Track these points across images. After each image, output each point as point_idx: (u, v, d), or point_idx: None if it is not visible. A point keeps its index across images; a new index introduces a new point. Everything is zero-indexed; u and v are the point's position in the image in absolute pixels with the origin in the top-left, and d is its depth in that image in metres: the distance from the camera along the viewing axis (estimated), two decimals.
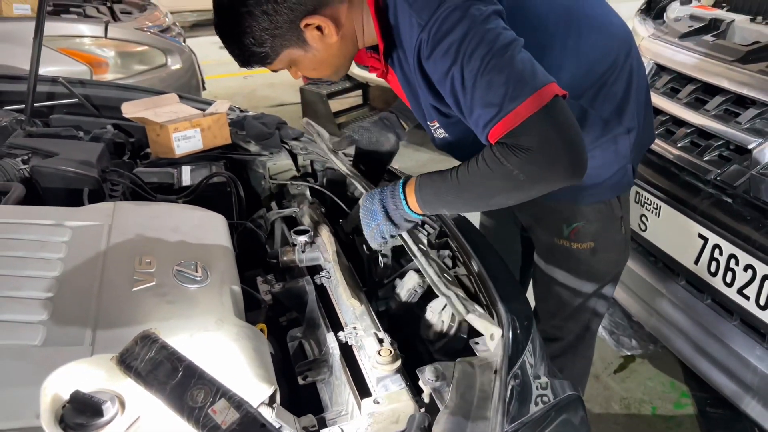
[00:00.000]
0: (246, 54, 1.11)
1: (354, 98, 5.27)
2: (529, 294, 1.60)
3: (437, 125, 1.27)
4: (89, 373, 0.82)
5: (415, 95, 1.21)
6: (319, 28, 1.09)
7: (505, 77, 0.95)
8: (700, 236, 1.61)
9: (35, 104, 1.74)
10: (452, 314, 1.09)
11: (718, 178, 1.61)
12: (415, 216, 1.14)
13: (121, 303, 0.95)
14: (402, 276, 1.29)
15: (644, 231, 1.85)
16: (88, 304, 0.93)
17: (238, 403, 0.78)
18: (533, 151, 0.94)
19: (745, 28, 1.86)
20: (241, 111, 1.96)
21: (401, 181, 1.15)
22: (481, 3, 1.01)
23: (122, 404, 0.80)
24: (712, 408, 2.08)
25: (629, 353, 2.35)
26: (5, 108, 1.80)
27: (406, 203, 1.13)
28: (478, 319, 0.99)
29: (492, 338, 0.98)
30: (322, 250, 1.35)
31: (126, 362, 0.83)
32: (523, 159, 0.94)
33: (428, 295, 1.20)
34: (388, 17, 1.10)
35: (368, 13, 1.12)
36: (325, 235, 1.37)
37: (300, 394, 1.14)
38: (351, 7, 1.12)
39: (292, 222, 1.57)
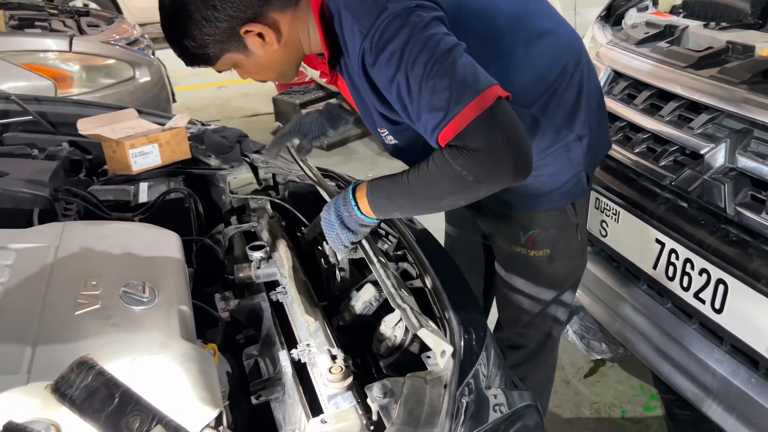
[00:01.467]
0: (189, 55, 1.14)
1: None
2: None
3: (386, 132, 1.28)
4: (24, 403, 0.79)
5: (363, 102, 1.23)
6: (260, 35, 1.10)
7: (449, 81, 0.97)
8: (658, 241, 1.63)
9: None
10: (405, 328, 1.09)
11: (673, 184, 1.63)
12: (369, 221, 1.15)
13: (62, 328, 0.93)
14: (359, 288, 1.29)
15: (605, 237, 1.86)
16: (28, 329, 0.91)
17: (174, 429, 0.77)
18: (480, 152, 0.96)
19: (698, 34, 1.89)
20: (203, 125, 1.94)
21: (351, 186, 1.16)
22: (422, 9, 1.03)
23: None
24: (680, 410, 2.10)
25: (599, 357, 2.36)
26: None
27: (358, 208, 1.13)
28: (430, 335, 0.98)
29: (442, 355, 0.97)
30: (279, 265, 1.34)
31: (61, 390, 0.81)
32: (470, 160, 0.96)
33: (385, 308, 1.20)
34: (333, 26, 1.11)
35: (313, 21, 1.13)
36: (283, 250, 1.36)
37: (255, 413, 1.13)
38: (295, 15, 1.13)
39: (251, 237, 1.55)
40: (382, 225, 1.44)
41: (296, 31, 1.15)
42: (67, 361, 0.85)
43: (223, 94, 6.37)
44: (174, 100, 4.01)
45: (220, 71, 1.22)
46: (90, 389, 0.79)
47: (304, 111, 1.80)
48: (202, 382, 0.91)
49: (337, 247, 1.20)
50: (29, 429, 0.76)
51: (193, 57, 1.14)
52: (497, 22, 1.18)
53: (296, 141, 1.51)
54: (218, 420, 0.92)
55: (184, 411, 0.84)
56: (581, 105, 1.27)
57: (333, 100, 1.60)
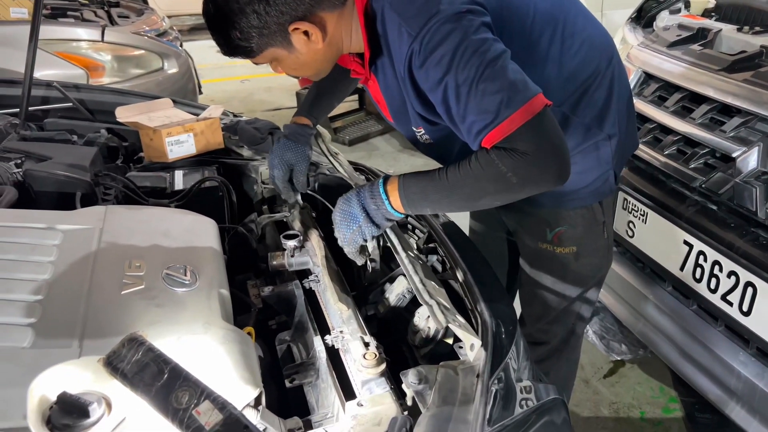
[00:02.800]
0: (231, 46, 1.14)
1: (350, 102, 5.29)
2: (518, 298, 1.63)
3: (422, 132, 1.29)
4: (76, 375, 0.83)
5: (401, 103, 1.24)
6: (306, 33, 1.11)
7: (499, 86, 1.00)
8: (686, 243, 1.64)
9: (30, 108, 1.75)
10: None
11: (704, 186, 1.63)
12: (397, 215, 1.15)
13: (109, 306, 0.96)
14: (392, 281, 1.31)
15: (632, 237, 1.87)
16: (77, 307, 0.94)
17: (221, 405, 0.79)
18: (529, 156, 0.99)
19: (732, 38, 1.89)
20: (235, 116, 1.97)
21: (380, 180, 1.15)
22: (472, 14, 1.04)
23: (109, 405, 0.82)
24: (700, 413, 2.10)
25: (619, 358, 2.36)
26: (0, 112, 1.82)
27: (389, 202, 1.13)
28: (458, 329, 1.01)
29: (471, 348, 1.00)
30: (312, 254, 1.36)
31: (113, 364, 0.85)
32: (518, 162, 0.99)
33: (417, 300, 1.22)
34: (375, 26, 1.12)
35: (357, 21, 1.15)
36: (315, 240, 1.39)
37: (287, 396, 1.16)
38: (341, 15, 1.14)
39: (283, 226, 1.58)
40: (410, 219, 1.47)
41: (340, 31, 1.16)
42: (116, 338, 0.88)
43: (247, 87, 6.43)
44: (200, 92, 4.06)
45: (257, 64, 1.23)
46: (140, 364, 0.82)
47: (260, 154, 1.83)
48: (243, 363, 0.94)
49: (354, 240, 1.19)
50: (82, 400, 0.79)
51: (235, 48, 1.14)
52: (535, 21, 1.19)
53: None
54: (257, 400, 0.95)
55: (225, 390, 0.87)
56: (611, 104, 1.29)
57: (281, 129, 1.58)
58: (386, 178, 1.16)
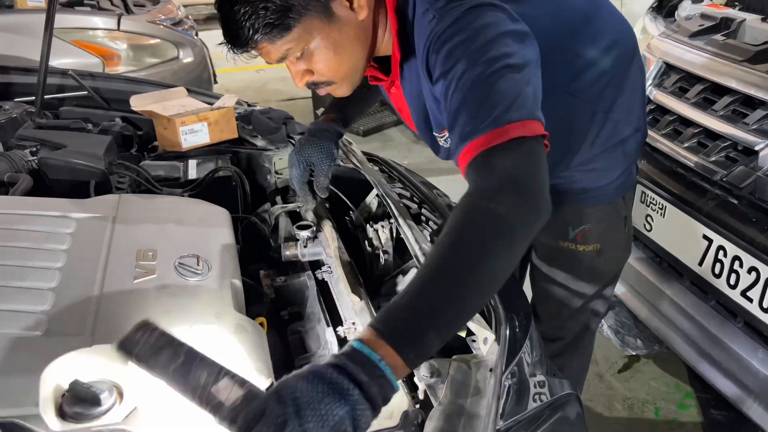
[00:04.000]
0: (267, 12, 0.91)
1: None
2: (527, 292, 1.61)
3: (446, 135, 1.16)
4: (89, 363, 0.83)
5: (422, 103, 1.15)
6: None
7: (511, 92, 0.88)
8: (705, 237, 1.61)
9: (45, 96, 1.76)
10: None
11: (724, 179, 1.60)
12: (395, 385, 0.72)
13: (122, 295, 0.96)
14: (404, 273, 1.30)
15: (649, 231, 1.84)
16: (90, 295, 0.94)
17: (241, 382, 0.76)
18: (510, 177, 0.84)
19: (756, 28, 1.84)
20: (249, 105, 1.97)
21: (354, 342, 0.72)
22: (504, 13, 0.95)
23: (120, 394, 0.82)
24: (716, 410, 2.07)
25: (634, 353, 2.34)
26: (16, 100, 1.83)
27: (386, 363, 0.70)
28: (471, 323, 0.99)
29: (485, 342, 0.98)
30: (324, 245, 1.36)
31: (126, 348, 0.82)
32: (499, 181, 0.83)
33: None
34: (406, 14, 1.04)
35: (385, 16, 1.06)
36: (328, 231, 1.38)
37: None
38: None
39: (296, 217, 1.58)
40: (423, 210, 1.45)
41: (372, 17, 1.04)
42: (128, 327, 0.88)
43: (262, 77, 6.43)
44: (215, 82, 4.06)
45: (270, 61, 1.02)
46: (155, 348, 0.80)
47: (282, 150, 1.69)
48: (255, 353, 0.94)
49: None
50: (94, 388, 0.80)
51: (272, 15, 0.92)
52: (569, 18, 1.15)
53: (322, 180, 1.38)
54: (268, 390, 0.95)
55: (236, 370, 0.87)
56: (636, 98, 1.26)
57: (311, 125, 1.43)
58: (354, 341, 0.73)
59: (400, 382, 0.78)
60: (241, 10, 0.91)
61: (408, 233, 1.21)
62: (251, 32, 0.92)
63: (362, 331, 0.75)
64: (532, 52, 0.95)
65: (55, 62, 1.89)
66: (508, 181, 0.83)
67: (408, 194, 1.52)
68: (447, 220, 0.85)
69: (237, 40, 0.95)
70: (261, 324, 1.13)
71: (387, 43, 1.09)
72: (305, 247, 1.35)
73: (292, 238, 1.42)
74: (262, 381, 0.90)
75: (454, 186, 1.34)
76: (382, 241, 1.32)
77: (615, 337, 2.39)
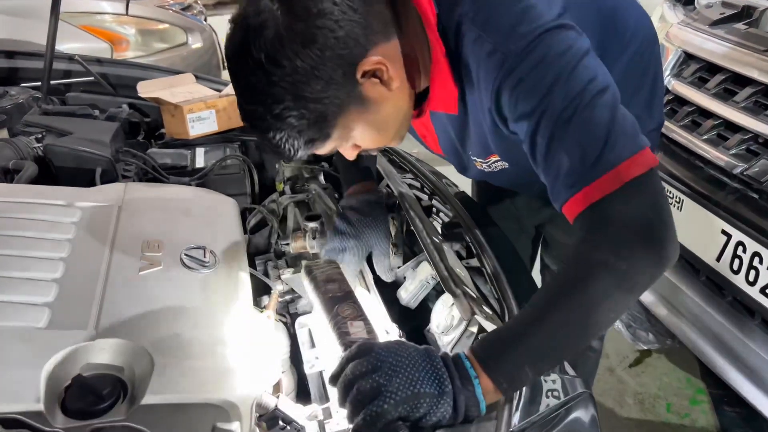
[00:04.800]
0: (295, 140, 0.87)
1: None
2: None
3: (495, 159, 1.08)
4: (92, 358, 0.81)
5: (460, 133, 1.05)
6: (375, 74, 0.87)
7: (606, 128, 0.80)
8: (724, 232, 1.57)
9: (52, 82, 1.74)
10: None
11: (745, 173, 1.55)
12: (482, 407, 0.78)
13: (127, 287, 0.94)
14: (415, 266, 1.27)
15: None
16: (94, 286, 0.92)
17: (371, 330, 0.94)
18: (632, 225, 0.77)
19: None
20: None
21: (461, 353, 0.80)
22: (574, 31, 0.86)
23: (124, 389, 0.80)
24: (729, 406, 2.04)
25: (645, 347, 2.31)
26: (22, 85, 1.81)
27: (478, 382, 0.77)
28: (485, 321, 0.97)
29: None
30: None
31: (310, 268, 1.10)
32: (621, 235, 0.78)
33: (440, 286, 1.18)
34: (448, 45, 0.91)
35: (426, 47, 0.93)
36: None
37: (306, 382, 1.14)
38: (403, 43, 0.91)
39: (305, 207, 1.55)
40: (434, 202, 1.42)
41: (403, 66, 0.93)
42: (133, 320, 0.87)
43: None
44: (224, 67, 4.01)
45: (321, 156, 1.00)
46: (329, 277, 1.06)
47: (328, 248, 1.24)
48: (262, 347, 0.92)
49: (414, 409, 0.75)
50: (97, 383, 0.78)
51: (309, 129, 0.86)
52: (601, 14, 1.09)
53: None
54: (276, 386, 0.93)
55: (245, 374, 0.85)
56: (657, 91, 1.21)
57: (347, 202, 1.27)
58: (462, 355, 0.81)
59: None
60: (277, 137, 0.87)
61: (419, 226, 1.19)
62: (292, 152, 0.89)
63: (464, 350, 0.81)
64: (601, 63, 0.87)
65: (62, 47, 1.87)
66: (630, 234, 0.77)
67: (418, 185, 1.49)
68: (563, 267, 0.83)
69: (281, 157, 0.93)
70: (271, 315, 1.11)
71: (426, 73, 0.98)
72: (314, 238, 1.32)
73: (301, 229, 1.39)
74: (269, 376, 0.89)
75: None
76: (393, 234, 1.29)
77: (626, 331, 2.36)
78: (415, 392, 0.74)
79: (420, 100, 1.00)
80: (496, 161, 1.09)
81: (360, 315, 0.97)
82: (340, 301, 1.00)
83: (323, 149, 0.93)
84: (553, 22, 0.84)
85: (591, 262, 0.78)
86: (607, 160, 0.79)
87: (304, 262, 1.11)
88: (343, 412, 0.81)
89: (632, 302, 0.81)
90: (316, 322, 1.23)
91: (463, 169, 1.22)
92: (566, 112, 0.81)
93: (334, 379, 0.81)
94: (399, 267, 1.24)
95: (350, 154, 1.00)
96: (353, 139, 0.94)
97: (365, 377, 0.75)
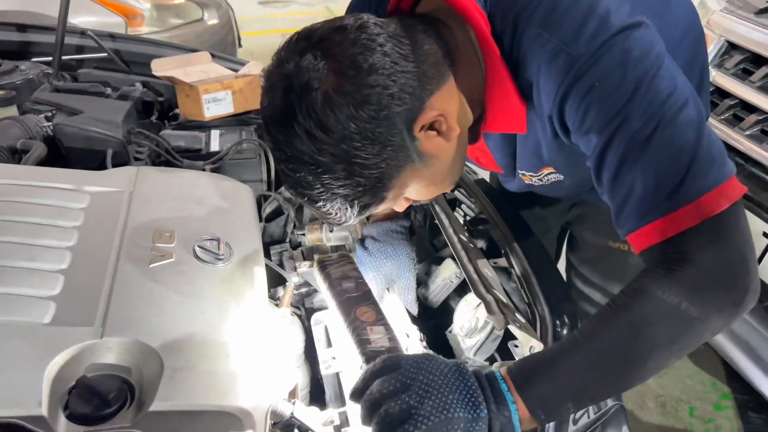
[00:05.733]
0: (350, 208, 0.80)
1: None
2: None
3: (551, 170, 0.98)
4: (97, 357, 0.76)
5: (521, 145, 0.96)
6: (432, 127, 0.80)
7: (689, 152, 0.70)
8: (765, 235, 1.49)
9: (63, 57, 1.67)
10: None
11: None
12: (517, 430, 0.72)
13: (136, 280, 0.88)
14: (438, 262, 1.21)
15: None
16: (102, 279, 0.87)
17: (392, 337, 0.89)
18: (711, 268, 0.69)
19: None
20: None
21: (496, 372, 0.74)
22: (649, 30, 0.76)
23: (131, 392, 0.75)
24: (755, 413, 1.98)
25: None
26: (33, 60, 1.75)
27: (516, 407, 0.71)
28: (518, 330, 0.91)
29: (530, 351, 0.89)
30: (351, 230, 1.27)
31: (324, 263, 1.05)
32: (695, 279, 0.69)
33: (464, 284, 1.12)
34: (502, 45, 0.82)
35: (479, 63, 0.83)
36: None
37: (320, 380, 1.08)
38: (460, 70, 0.82)
39: None
40: (461, 195, 1.35)
41: (458, 104, 0.84)
42: (141, 316, 0.82)
43: None
44: (240, 45, 3.94)
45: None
46: (345, 274, 1.01)
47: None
48: (279, 344, 0.87)
49: None
50: (103, 386, 0.73)
51: (364, 196, 0.79)
52: (657, 6, 0.96)
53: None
54: (292, 393, 0.88)
55: (260, 371, 0.80)
56: (704, 85, 1.13)
57: (369, 230, 1.18)
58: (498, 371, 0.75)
59: None
60: (327, 206, 0.80)
61: (445, 222, 1.12)
62: (344, 220, 0.82)
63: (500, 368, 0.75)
64: (679, 69, 0.77)
65: (75, 20, 1.81)
66: (708, 279, 0.69)
67: None
68: (621, 297, 0.74)
69: (331, 224, 0.86)
70: (287, 312, 1.05)
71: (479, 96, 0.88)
72: (330, 231, 1.26)
73: (317, 220, 1.33)
74: (285, 376, 0.83)
75: None
76: (415, 228, 1.23)
77: None
78: (448, 417, 0.67)
79: (473, 124, 0.91)
80: (550, 174, 0.99)
81: (380, 319, 0.91)
82: (358, 303, 0.94)
83: (375, 211, 0.86)
84: (629, 19, 0.74)
85: (659, 303, 0.70)
86: (689, 191, 0.69)
87: (316, 257, 1.04)
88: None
89: (694, 348, 0.73)
90: (333, 320, 1.18)
91: (508, 181, 1.13)
92: (645, 129, 0.71)
93: (357, 394, 0.75)
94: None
95: (401, 207, 0.92)
96: (407, 194, 0.86)
97: (394, 397, 0.69)
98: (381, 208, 0.86)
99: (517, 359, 0.82)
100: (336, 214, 0.80)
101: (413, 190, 0.85)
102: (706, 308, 0.69)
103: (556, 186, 1.03)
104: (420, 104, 0.76)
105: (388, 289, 1.15)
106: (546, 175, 1.00)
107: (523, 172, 1.01)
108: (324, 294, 1.03)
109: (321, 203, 0.79)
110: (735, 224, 0.71)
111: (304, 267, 1.21)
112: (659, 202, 0.71)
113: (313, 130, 0.72)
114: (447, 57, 0.81)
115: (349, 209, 0.80)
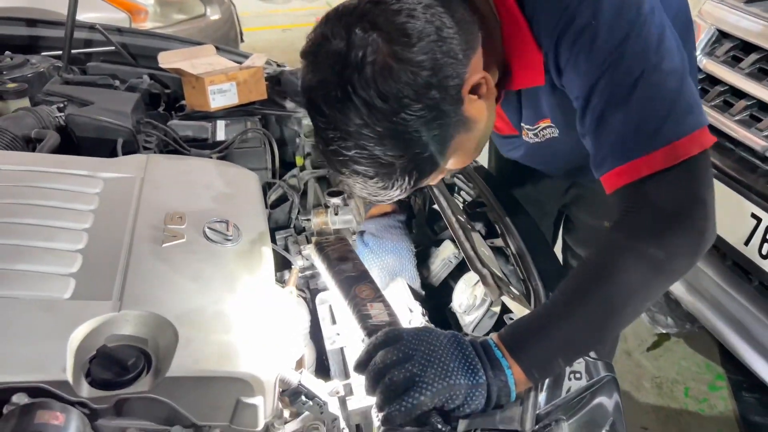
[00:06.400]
0: (409, 177, 0.79)
1: None
2: None
3: (548, 123, 1.00)
4: (116, 329, 0.81)
5: (520, 101, 0.99)
6: (475, 90, 0.81)
7: (669, 98, 0.75)
8: (753, 216, 1.53)
9: (72, 51, 1.72)
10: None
11: None
12: (513, 394, 0.77)
13: (150, 258, 0.93)
14: (437, 244, 1.26)
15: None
16: (118, 257, 0.92)
17: (391, 313, 0.91)
18: (674, 211, 0.75)
19: None
20: (278, 65, 1.91)
21: (489, 340, 0.78)
22: None
23: (148, 360, 0.80)
24: (749, 392, 2.02)
25: (664, 331, 2.29)
26: (43, 54, 1.79)
27: (511, 372, 0.76)
28: (512, 302, 0.95)
29: None
30: (355, 213, 1.31)
31: (320, 246, 1.06)
32: (660, 221, 0.75)
33: (463, 265, 1.16)
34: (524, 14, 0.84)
35: (494, 18, 0.85)
36: (359, 198, 1.34)
37: (325, 357, 1.13)
38: (484, 33, 0.83)
39: (327, 183, 1.53)
40: (459, 181, 1.39)
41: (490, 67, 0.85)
42: (156, 292, 0.86)
43: (288, 36, 6.32)
44: (242, 40, 3.99)
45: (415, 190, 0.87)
46: (342, 255, 1.01)
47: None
48: (285, 322, 0.91)
49: (452, 399, 0.73)
50: (122, 354, 0.78)
51: (422, 166, 0.79)
52: None
53: None
54: (299, 362, 0.93)
55: (268, 348, 0.84)
56: (692, 70, 1.16)
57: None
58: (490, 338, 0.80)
59: None
60: (385, 180, 0.79)
61: (443, 204, 1.17)
62: (400, 193, 0.81)
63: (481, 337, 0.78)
64: (667, 19, 0.81)
65: (81, 16, 1.84)
66: (672, 221, 0.75)
67: None
68: (594, 253, 0.79)
69: (379, 201, 0.85)
70: (293, 291, 1.10)
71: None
72: (336, 214, 1.31)
73: (322, 204, 1.38)
74: (292, 351, 0.88)
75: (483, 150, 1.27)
76: (415, 212, 1.28)
77: (645, 314, 2.33)
78: (450, 383, 0.72)
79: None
80: (546, 127, 1.01)
81: (379, 296, 0.94)
82: (356, 282, 0.96)
83: (429, 182, 0.85)
84: None
85: (629, 250, 0.75)
86: (668, 134, 0.74)
87: (314, 239, 1.07)
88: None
89: (667, 288, 0.79)
90: (336, 299, 1.23)
91: (504, 144, 1.16)
92: (633, 73, 0.75)
93: (362, 366, 0.78)
94: None
95: (436, 181, 0.92)
96: (455, 160, 0.87)
97: (397, 367, 0.73)
98: (432, 180, 0.86)
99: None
100: (392, 186, 0.80)
101: (454, 159, 0.85)
102: (672, 249, 0.74)
103: (551, 145, 1.04)
104: (464, 69, 0.78)
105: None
106: (543, 128, 1.01)
107: (524, 125, 1.03)
108: (323, 274, 1.06)
109: (376, 179, 0.78)
110: (702, 169, 0.76)
111: (308, 249, 1.26)
112: (637, 142, 0.76)
113: (373, 99, 0.72)
114: (477, 21, 0.83)
115: (405, 181, 0.79)
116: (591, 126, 0.80)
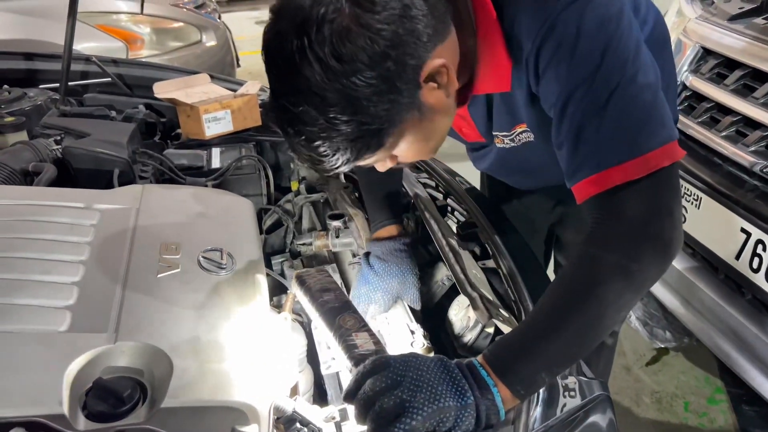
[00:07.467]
0: (349, 147, 0.77)
1: None
2: None
3: (524, 128, 1.00)
4: (112, 361, 0.82)
5: (491, 108, 1.00)
6: (433, 78, 0.80)
7: (641, 112, 0.78)
8: (743, 231, 1.55)
9: (69, 83, 1.75)
10: None
11: (765, 170, 1.53)
12: (502, 413, 0.78)
13: (146, 289, 0.95)
14: (431, 265, 1.27)
15: (683, 222, 1.78)
16: (114, 289, 0.93)
17: (377, 341, 0.92)
18: (641, 223, 0.77)
19: None
20: None
21: (474, 362, 0.80)
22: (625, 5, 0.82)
23: (144, 392, 0.81)
24: (748, 405, 2.02)
25: (663, 345, 2.29)
26: (40, 86, 1.82)
27: (497, 390, 0.77)
28: (502, 324, 0.97)
29: None
30: (356, 235, 1.33)
31: (302, 279, 1.06)
32: (631, 232, 0.77)
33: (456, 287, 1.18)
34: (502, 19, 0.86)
35: (470, 19, 0.86)
36: (359, 221, 1.35)
37: (322, 382, 1.14)
38: (460, 30, 0.84)
39: (321, 207, 1.55)
40: (449, 201, 1.41)
41: (457, 63, 0.86)
42: (152, 323, 0.88)
43: None
44: (238, 65, 4.04)
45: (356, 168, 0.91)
46: (323, 287, 1.02)
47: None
48: (279, 348, 0.92)
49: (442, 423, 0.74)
50: (117, 386, 0.78)
51: (363, 138, 0.77)
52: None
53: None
54: (293, 389, 0.94)
55: (263, 376, 0.86)
56: (671, 84, 1.19)
57: (374, 247, 1.20)
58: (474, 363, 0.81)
59: None
60: (324, 146, 0.77)
61: (434, 227, 1.18)
62: (337, 165, 0.80)
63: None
64: (641, 32, 0.84)
65: (78, 46, 1.88)
66: (642, 234, 0.77)
67: (433, 184, 1.48)
68: (569, 267, 0.82)
69: (320, 171, 0.83)
70: (287, 317, 1.11)
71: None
72: (336, 237, 1.33)
73: (316, 229, 1.40)
74: (287, 378, 0.89)
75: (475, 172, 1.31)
76: (409, 233, 1.29)
77: (643, 329, 2.34)
78: (440, 406, 0.73)
79: (462, 87, 0.92)
80: (522, 132, 1.01)
81: (363, 325, 0.95)
82: (339, 312, 0.96)
83: (367, 162, 0.85)
84: None
85: (602, 263, 0.78)
86: (641, 145, 0.76)
87: (294, 272, 1.07)
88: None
89: (640, 298, 0.82)
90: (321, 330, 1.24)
91: (479, 155, 1.17)
92: (609, 85, 0.77)
93: (351, 395, 0.79)
94: None
95: (384, 167, 0.92)
96: (397, 150, 0.86)
97: (387, 393, 0.74)
98: (373, 160, 0.85)
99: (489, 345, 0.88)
100: (330, 157, 0.78)
101: (404, 146, 0.85)
102: (643, 262, 0.76)
103: (526, 149, 1.04)
104: (427, 53, 0.77)
105: None
106: (519, 133, 1.01)
107: (497, 133, 1.04)
108: (305, 306, 1.05)
109: (319, 142, 0.76)
110: (671, 183, 0.79)
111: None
112: (613, 152, 0.77)
113: (327, 58, 0.71)
114: (452, 14, 0.83)
115: (345, 153, 0.78)
116: (568, 135, 0.82)
